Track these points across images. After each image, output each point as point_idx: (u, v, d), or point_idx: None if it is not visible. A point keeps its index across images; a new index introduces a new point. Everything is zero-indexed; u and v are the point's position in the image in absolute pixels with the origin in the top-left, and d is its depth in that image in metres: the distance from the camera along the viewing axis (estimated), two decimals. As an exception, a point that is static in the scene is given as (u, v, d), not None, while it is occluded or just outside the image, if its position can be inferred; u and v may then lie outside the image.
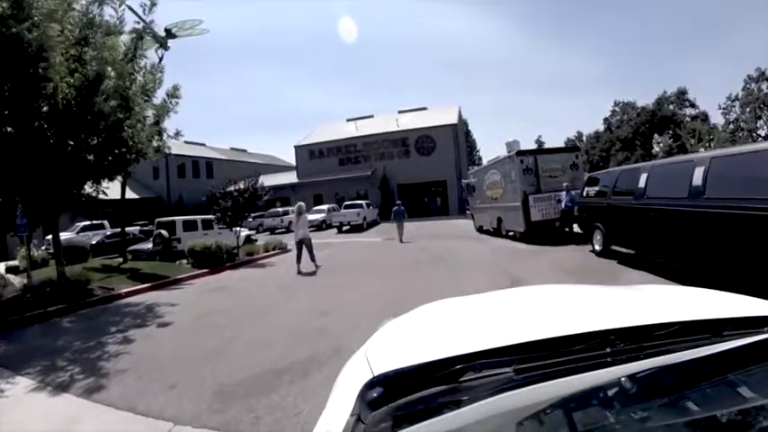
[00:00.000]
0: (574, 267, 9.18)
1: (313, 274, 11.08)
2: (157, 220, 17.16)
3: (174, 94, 10.31)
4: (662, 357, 0.99)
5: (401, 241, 17.62)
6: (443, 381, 1.00)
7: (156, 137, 9.97)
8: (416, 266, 10.86)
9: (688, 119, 46.49)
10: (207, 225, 16.57)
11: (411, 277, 9.12)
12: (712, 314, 1.22)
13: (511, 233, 14.74)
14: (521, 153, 13.84)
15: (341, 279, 9.87)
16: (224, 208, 14.55)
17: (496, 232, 16.31)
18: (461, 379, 1.00)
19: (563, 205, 12.76)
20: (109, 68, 8.12)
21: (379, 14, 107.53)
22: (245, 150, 53.88)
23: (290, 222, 29.74)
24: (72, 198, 9.53)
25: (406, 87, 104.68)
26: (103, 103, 7.87)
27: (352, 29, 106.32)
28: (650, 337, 1.09)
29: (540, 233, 13.33)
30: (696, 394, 0.87)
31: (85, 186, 9.73)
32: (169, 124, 11.55)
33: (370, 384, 1.06)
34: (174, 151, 40.78)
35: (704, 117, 45.67)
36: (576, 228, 13.97)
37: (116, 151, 8.88)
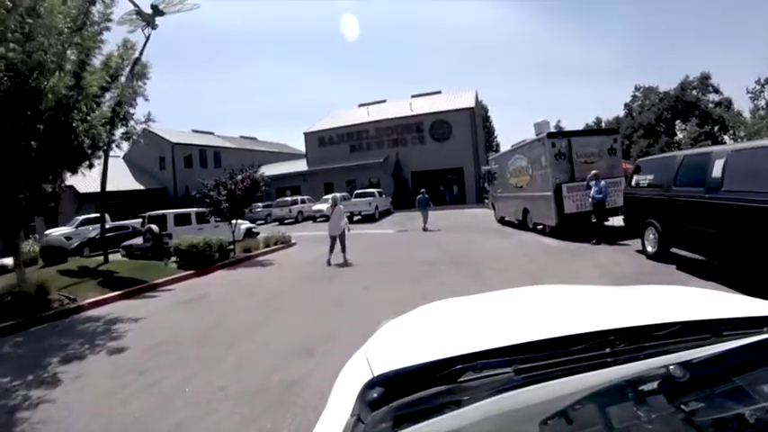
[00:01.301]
0: (628, 274, 7.44)
1: (313, 277, 9.56)
2: (148, 213, 15.80)
3: (141, 73, 8.71)
4: (662, 358, 0.97)
5: (425, 229, 17.20)
6: (443, 381, 0.98)
7: (121, 123, 8.40)
8: (433, 269, 9.21)
9: (711, 105, 44.47)
10: (202, 218, 15.09)
11: (426, 287, 7.46)
12: (712, 314, 1.21)
13: (539, 227, 12.92)
14: (552, 135, 11.97)
15: (340, 287, 8.29)
16: (216, 201, 13.01)
17: (521, 225, 14.51)
18: (461, 379, 0.99)
19: (590, 196, 10.87)
20: (51, 38, 6.52)
21: (391, 6, 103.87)
22: (255, 138, 52.41)
23: (300, 212, 28.49)
24: (28, 199, 8.07)
25: (420, 79, 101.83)
26: (41, 79, 6.32)
27: (356, 26, 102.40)
28: (650, 337, 1.08)
29: (573, 227, 11.55)
30: (696, 394, 0.86)
31: (45, 184, 8.25)
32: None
33: (370, 384, 1.05)
34: (180, 140, 40.14)
35: (728, 103, 43.62)
36: (618, 221, 12.21)
37: (71, 140, 7.34)
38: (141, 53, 14.11)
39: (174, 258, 12.22)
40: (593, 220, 10.95)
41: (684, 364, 0.92)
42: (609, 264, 8.41)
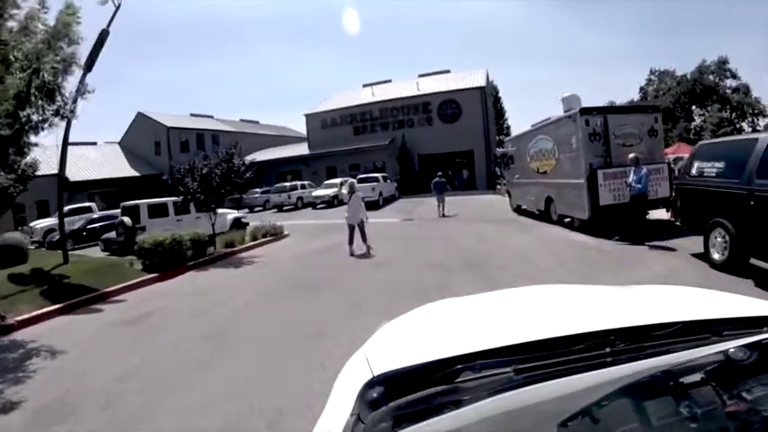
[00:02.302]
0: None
1: (294, 285, 7.91)
2: (122, 204, 14.19)
3: (64, 34, 6.93)
4: (662, 357, 0.96)
5: (443, 215, 16.60)
6: (443, 381, 0.98)
7: (46, 98, 6.64)
8: (444, 277, 7.43)
9: (728, 90, 43.48)
10: (181, 209, 13.36)
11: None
12: (712, 314, 1.21)
13: (567, 219, 11.05)
14: (586, 111, 10.01)
15: (322, 304, 6.53)
16: (189, 190, 11.29)
17: (543, 216, 12.68)
18: (461, 379, 0.99)
19: (629, 186, 8.92)
20: None
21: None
22: (256, 122, 50.33)
23: (299, 199, 26.82)
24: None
25: (427, 64, 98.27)
26: None
27: (357, 20, 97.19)
28: (650, 337, 1.08)
29: (608, 222, 9.74)
30: (696, 394, 0.86)
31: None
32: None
33: (370, 384, 1.05)
34: (176, 124, 38.37)
35: (746, 89, 42.56)
36: (658, 214, 10.40)
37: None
38: (110, 24, 12.42)
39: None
40: (631, 215, 9.07)
41: (685, 364, 0.91)
42: (668, 274, 6.60)
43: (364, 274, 8.32)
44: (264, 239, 13.58)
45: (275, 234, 14.15)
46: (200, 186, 11.09)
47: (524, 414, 0.82)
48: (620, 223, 9.40)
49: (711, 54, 51.16)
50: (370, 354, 1.25)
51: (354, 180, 11.08)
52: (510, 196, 16.96)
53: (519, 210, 15.53)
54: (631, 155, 9.01)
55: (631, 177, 8.88)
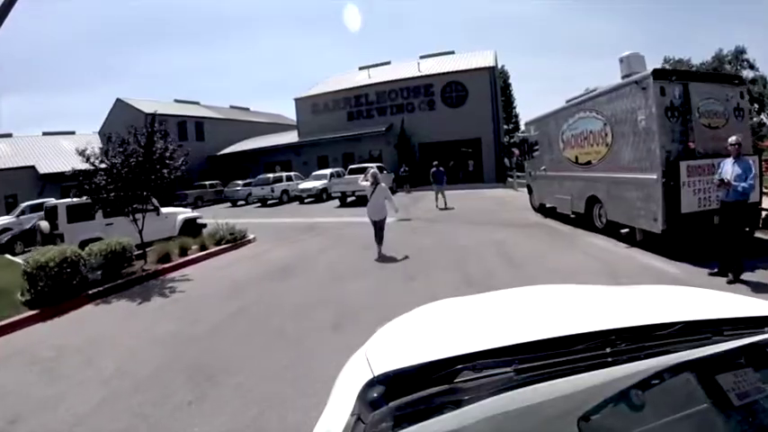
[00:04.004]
0: None
1: (195, 355, 4.95)
2: (46, 204, 11.23)
3: None
4: (662, 357, 0.95)
5: (445, 207, 15.52)
6: (444, 381, 0.97)
7: None
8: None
9: (747, 82, 40.89)
10: (111, 210, 10.27)
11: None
12: (713, 314, 1.19)
13: (624, 230, 7.86)
14: (661, 75, 6.85)
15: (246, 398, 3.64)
16: (97, 188, 8.31)
17: (582, 220, 9.65)
18: (462, 379, 0.98)
19: (723, 182, 5.65)
20: None
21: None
22: (246, 109, 47.03)
23: (284, 192, 23.87)
24: None
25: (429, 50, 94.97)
26: None
27: (358, 17, 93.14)
28: (651, 336, 1.07)
29: (691, 237, 6.73)
30: (696, 394, 0.87)
31: None
32: None
33: (371, 384, 1.04)
34: (157, 110, 35.30)
35: (764, 81, 40.90)
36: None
37: None
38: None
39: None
40: (726, 231, 5.75)
41: (685, 364, 0.91)
42: None
43: (308, 352, 4.43)
44: (218, 248, 10.58)
45: (234, 240, 11.12)
46: (111, 182, 8.07)
47: (525, 414, 0.81)
48: (702, 238, 6.40)
49: (719, 44, 49.58)
50: (371, 353, 1.23)
51: (376, 170, 9.23)
52: (531, 192, 13.86)
53: (543, 209, 12.52)
54: (732, 138, 5.73)
55: (730, 172, 5.71)
